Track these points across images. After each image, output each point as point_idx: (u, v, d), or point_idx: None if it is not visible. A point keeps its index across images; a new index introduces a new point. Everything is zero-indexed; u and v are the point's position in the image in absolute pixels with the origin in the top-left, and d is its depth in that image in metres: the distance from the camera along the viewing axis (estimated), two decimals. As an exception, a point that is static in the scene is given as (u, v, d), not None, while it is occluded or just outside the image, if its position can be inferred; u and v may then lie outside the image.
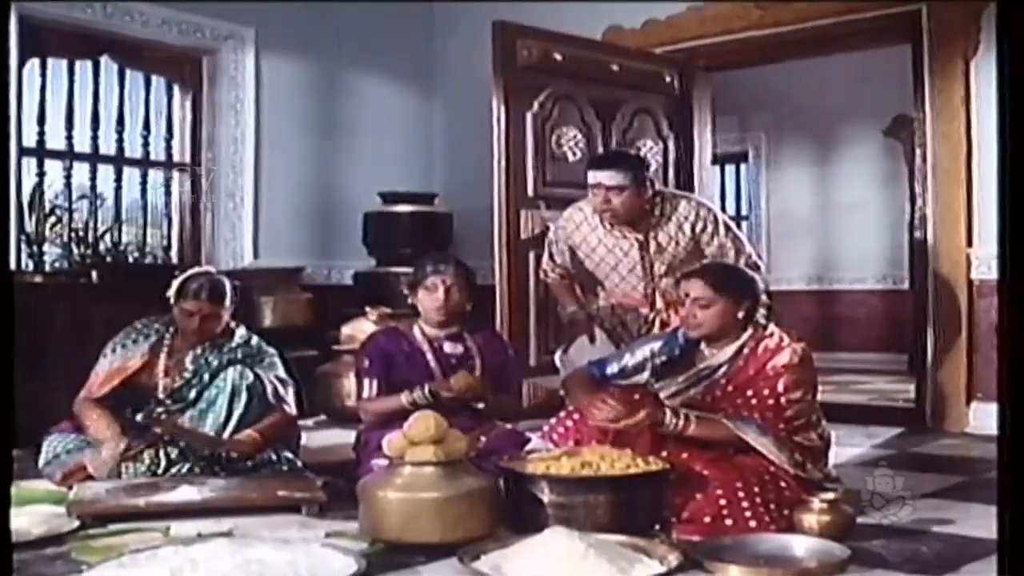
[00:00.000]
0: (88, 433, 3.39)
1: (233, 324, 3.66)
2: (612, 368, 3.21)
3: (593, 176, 3.79)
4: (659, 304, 3.88)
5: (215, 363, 3.52)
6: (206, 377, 3.50)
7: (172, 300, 3.55)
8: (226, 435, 3.37)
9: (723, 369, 2.99)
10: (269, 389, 3.48)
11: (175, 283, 3.56)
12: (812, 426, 2.91)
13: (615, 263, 3.91)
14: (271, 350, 3.67)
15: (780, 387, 2.88)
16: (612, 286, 3.98)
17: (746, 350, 2.98)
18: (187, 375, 3.52)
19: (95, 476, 3.23)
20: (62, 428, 3.48)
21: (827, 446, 2.98)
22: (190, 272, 3.65)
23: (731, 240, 3.82)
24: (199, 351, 3.54)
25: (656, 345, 3.19)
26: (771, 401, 2.87)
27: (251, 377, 3.46)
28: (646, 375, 3.14)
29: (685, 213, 3.83)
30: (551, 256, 4.12)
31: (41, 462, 3.41)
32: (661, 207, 3.84)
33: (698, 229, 3.81)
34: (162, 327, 3.59)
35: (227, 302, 3.57)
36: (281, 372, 3.61)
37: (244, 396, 3.41)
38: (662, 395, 3.02)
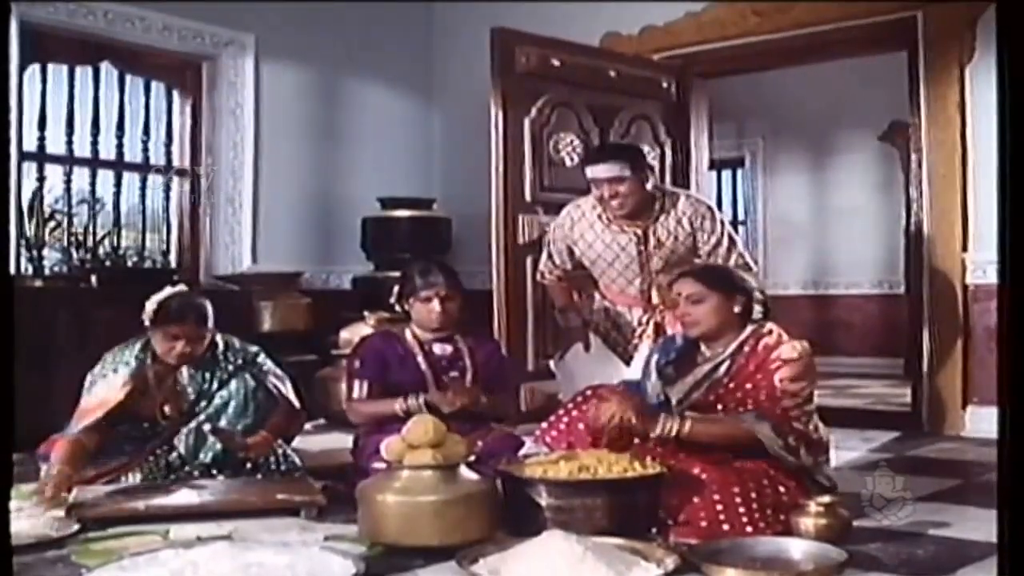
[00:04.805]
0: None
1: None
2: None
3: (591, 171, 3.84)
4: (655, 299, 3.88)
5: (215, 381, 3.46)
6: (212, 391, 3.45)
7: (150, 322, 3.39)
8: None
9: (725, 366, 2.98)
10: (273, 391, 3.49)
11: (150, 305, 3.39)
12: (808, 416, 2.90)
13: (612, 258, 3.91)
14: (253, 348, 3.62)
15: (779, 377, 2.87)
16: (608, 282, 3.98)
17: (747, 347, 2.97)
18: (191, 398, 3.45)
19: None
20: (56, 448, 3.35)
21: (825, 449, 2.98)
22: (167, 293, 3.44)
23: (727, 239, 3.86)
24: (193, 371, 3.45)
25: (654, 356, 3.19)
26: (769, 390, 2.87)
27: (254, 384, 3.46)
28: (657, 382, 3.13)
29: (684, 208, 3.86)
30: (549, 256, 4.12)
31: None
32: (661, 202, 3.87)
33: (696, 224, 3.84)
34: (140, 353, 3.43)
35: (210, 323, 3.45)
36: (272, 366, 3.59)
37: (252, 406, 3.41)
38: (673, 399, 3.01)
